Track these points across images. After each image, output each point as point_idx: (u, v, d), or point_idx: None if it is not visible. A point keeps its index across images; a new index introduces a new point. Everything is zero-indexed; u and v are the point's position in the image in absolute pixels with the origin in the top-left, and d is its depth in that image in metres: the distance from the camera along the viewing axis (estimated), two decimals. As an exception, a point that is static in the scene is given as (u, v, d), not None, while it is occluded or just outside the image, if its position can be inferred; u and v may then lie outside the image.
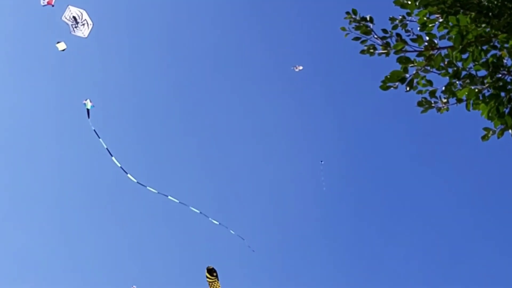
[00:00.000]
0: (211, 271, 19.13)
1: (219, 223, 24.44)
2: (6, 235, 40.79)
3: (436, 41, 6.81)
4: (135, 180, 22.98)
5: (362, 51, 7.28)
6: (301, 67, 28.91)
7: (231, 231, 24.87)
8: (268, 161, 44.13)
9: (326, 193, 39.80)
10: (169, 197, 23.76)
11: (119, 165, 22.65)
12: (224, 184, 44.85)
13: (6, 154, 43.75)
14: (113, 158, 22.61)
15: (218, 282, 18.83)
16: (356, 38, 7.26)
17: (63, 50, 21.14)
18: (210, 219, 24.18)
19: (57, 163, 42.89)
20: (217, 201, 42.61)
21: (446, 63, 6.73)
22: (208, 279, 18.71)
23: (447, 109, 6.88)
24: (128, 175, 22.90)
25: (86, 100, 22.14)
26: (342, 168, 42.77)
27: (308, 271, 41.31)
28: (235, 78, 43.88)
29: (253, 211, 42.67)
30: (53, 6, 20.20)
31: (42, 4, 20.30)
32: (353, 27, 7.26)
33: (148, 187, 23.54)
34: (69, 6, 19.93)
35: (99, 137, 22.44)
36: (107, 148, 22.63)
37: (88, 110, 22.05)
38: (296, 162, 43.26)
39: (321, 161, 33.31)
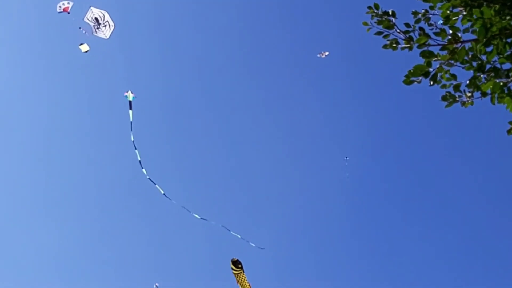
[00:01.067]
0: (235, 263, 19.10)
1: (241, 237, 24.54)
2: (42, 232, 41.51)
3: (459, 35, 6.76)
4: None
5: (385, 46, 7.26)
6: (327, 53, 27.79)
7: (254, 245, 24.97)
8: (292, 158, 44.08)
9: (350, 189, 39.62)
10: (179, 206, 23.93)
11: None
12: (245, 180, 44.85)
13: (31, 157, 44.42)
14: (144, 171, 22.79)
15: (244, 274, 18.86)
16: (379, 33, 7.24)
17: (86, 51, 21.31)
18: (228, 230, 24.31)
19: (78, 160, 43.42)
20: (235, 201, 42.72)
21: (470, 56, 6.69)
22: (233, 271, 18.73)
23: (472, 103, 6.85)
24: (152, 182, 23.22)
25: (127, 92, 21.75)
26: (366, 164, 42.52)
27: (332, 267, 41.31)
28: (257, 73, 43.79)
29: (275, 208, 42.67)
30: (68, 13, 20.39)
31: (58, 11, 20.56)
32: (375, 22, 7.24)
33: (162, 191, 23.66)
34: (91, 7, 20.01)
35: (131, 129, 22.34)
36: (132, 143, 22.79)
37: (130, 102, 21.65)
38: (320, 158, 43.10)
39: (346, 157, 32.75)
